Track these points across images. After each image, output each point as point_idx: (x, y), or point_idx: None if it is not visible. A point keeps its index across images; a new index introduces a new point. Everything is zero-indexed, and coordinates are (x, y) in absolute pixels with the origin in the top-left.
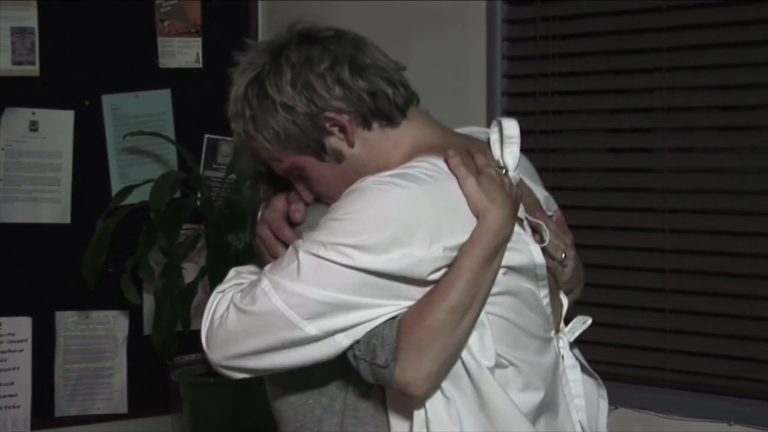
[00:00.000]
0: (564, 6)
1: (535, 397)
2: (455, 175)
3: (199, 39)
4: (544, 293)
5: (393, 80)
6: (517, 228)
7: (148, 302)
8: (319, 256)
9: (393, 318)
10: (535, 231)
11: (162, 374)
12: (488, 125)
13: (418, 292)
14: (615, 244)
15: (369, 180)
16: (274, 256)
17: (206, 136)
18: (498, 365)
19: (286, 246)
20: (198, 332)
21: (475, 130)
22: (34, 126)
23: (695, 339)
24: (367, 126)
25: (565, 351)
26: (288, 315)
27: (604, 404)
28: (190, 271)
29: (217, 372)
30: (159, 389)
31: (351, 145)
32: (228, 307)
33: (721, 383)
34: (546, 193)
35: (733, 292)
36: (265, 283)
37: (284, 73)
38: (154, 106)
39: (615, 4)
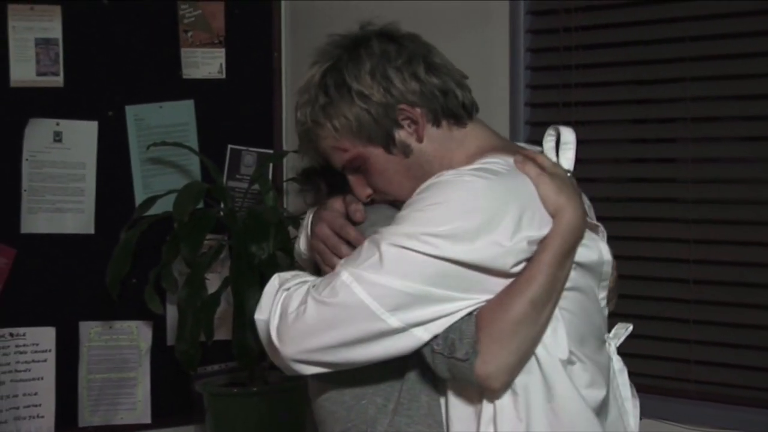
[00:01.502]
0: (587, 16)
1: (599, 394)
2: (527, 175)
3: (223, 50)
4: (603, 294)
5: (461, 83)
6: None
7: (172, 312)
8: (403, 247)
9: (469, 314)
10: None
11: (185, 384)
12: (511, 136)
13: (498, 285)
14: (639, 255)
15: (450, 173)
16: (338, 255)
17: (229, 146)
18: (567, 360)
19: (349, 244)
20: (221, 342)
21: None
22: (58, 137)
23: (719, 350)
24: (437, 123)
25: (614, 355)
26: (371, 306)
27: (636, 413)
28: (213, 282)
29: (284, 368)
30: (182, 399)
31: (420, 140)
32: (305, 300)
33: (745, 394)
34: (588, 203)
35: (757, 302)
36: (345, 276)
37: (363, 63)
38: (178, 117)
39: (638, 15)
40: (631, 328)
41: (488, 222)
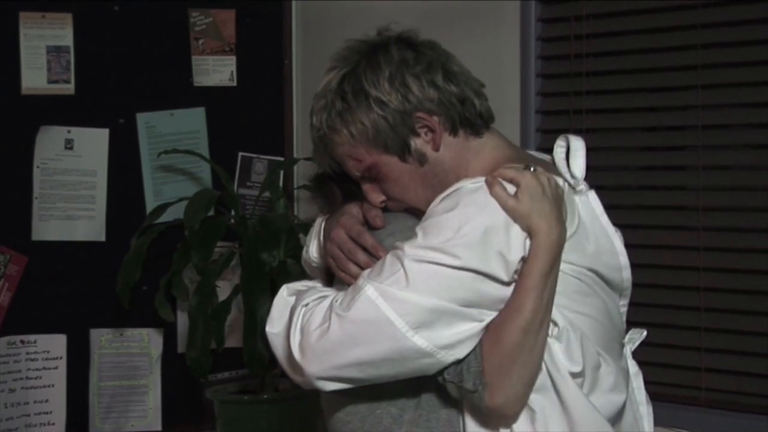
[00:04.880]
0: (598, 24)
1: (620, 398)
2: (496, 200)
3: (234, 57)
4: (623, 302)
5: (479, 92)
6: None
7: (182, 320)
8: (427, 262)
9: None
10: None
11: (196, 392)
12: (522, 143)
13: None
14: (649, 263)
15: (466, 184)
16: (354, 261)
17: (240, 154)
18: (595, 366)
19: (366, 251)
20: (232, 350)
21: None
22: (69, 144)
23: (730, 357)
24: (454, 132)
25: (629, 359)
26: (397, 323)
27: (650, 418)
28: (224, 289)
29: (304, 384)
30: (193, 407)
31: (436, 148)
32: (328, 317)
33: (756, 402)
34: (600, 209)
35: None
36: (370, 291)
37: (382, 70)
38: (189, 125)
39: (649, 22)
40: (645, 333)
41: (504, 230)
